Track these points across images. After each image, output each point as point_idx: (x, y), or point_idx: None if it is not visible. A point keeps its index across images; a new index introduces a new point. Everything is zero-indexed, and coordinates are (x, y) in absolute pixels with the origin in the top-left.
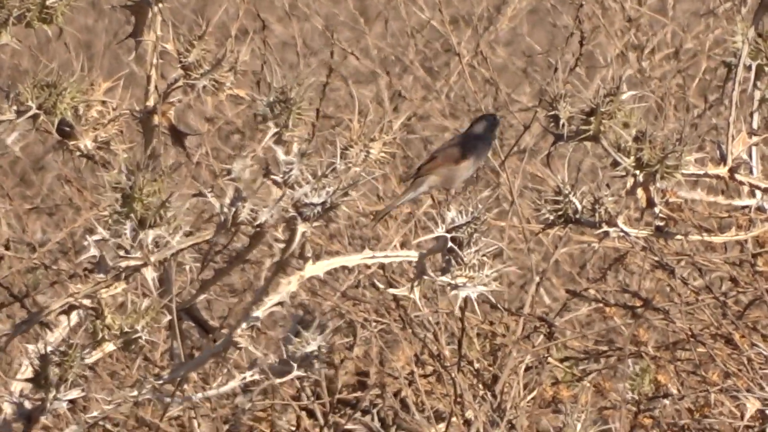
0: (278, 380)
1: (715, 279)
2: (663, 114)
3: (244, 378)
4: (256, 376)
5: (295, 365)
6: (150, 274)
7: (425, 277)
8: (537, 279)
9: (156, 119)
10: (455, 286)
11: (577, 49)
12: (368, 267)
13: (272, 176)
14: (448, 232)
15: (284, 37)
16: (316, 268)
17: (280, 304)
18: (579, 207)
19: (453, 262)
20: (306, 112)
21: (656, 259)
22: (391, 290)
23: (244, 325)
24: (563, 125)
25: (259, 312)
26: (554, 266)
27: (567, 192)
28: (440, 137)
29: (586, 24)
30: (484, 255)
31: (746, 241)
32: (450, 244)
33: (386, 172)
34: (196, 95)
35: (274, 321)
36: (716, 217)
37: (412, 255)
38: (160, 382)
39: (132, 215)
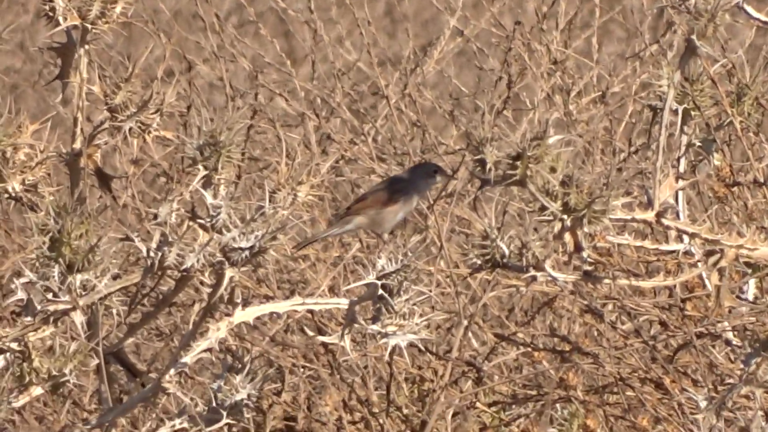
0: (207, 428)
1: (645, 323)
2: (590, 158)
3: (174, 426)
4: (185, 424)
5: (224, 413)
6: (78, 318)
7: (355, 325)
8: (465, 323)
9: (82, 162)
10: (385, 335)
11: (504, 92)
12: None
13: (199, 220)
14: (378, 279)
15: (211, 79)
16: (245, 315)
17: (209, 350)
18: (506, 251)
19: (383, 310)
20: (235, 155)
21: (585, 303)
22: (321, 338)
23: (172, 371)
24: (490, 169)
25: (188, 358)
26: (482, 310)
27: (494, 236)
28: (368, 180)
29: (512, 67)
30: (414, 304)
31: (675, 285)
32: (380, 291)
33: (314, 215)
34: (123, 137)
35: (202, 365)
36: (644, 261)
37: (342, 302)
38: (89, 427)
39: (60, 259)
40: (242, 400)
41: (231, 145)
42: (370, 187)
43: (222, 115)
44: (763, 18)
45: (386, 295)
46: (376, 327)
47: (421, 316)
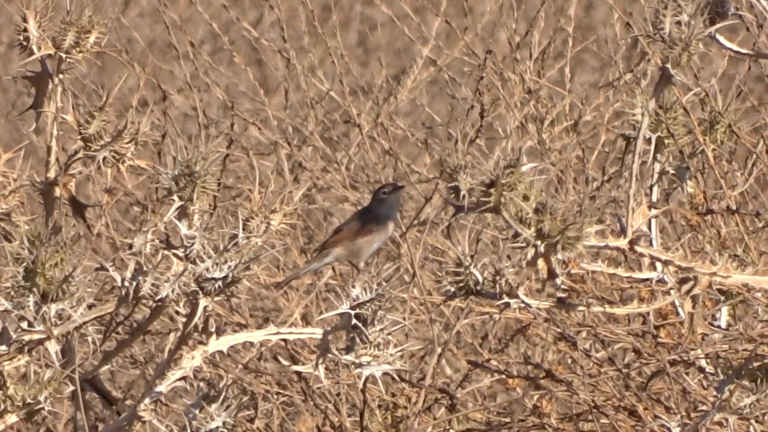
0: None
1: (618, 350)
2: (563, 186)
3: None
4: None
5: None
6: (53, 347)
7: (329, 355)
8: (438, 350)
9: (57, 191)
10: (360, 365)
11: (477, 121)
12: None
13: (174, 250)
14: (352, 308)
15: (185, 108)
16: (219, 343)
17: (183, 378)
18: (480, 278)
19: (357, 340)
20: (210, 185)
21: (559, 330)
22: (295, 367)
23: (147, 400)
24: (464, 197)
25: (163, 386)
26: (456, 337)
27: (467, 263)
28: (340, 208)
29: (485, 96)
30: (389, 333)
31: (649, 312)
32: (354, 321)
33: (287, 243)
34: (97, 166)
35: (177, 393)
36: (618, 288)
37: (317, 332)
38: None
39: (35, 289)
40: (217, 427)
41: (206, 175)
42: (343, 221)
43: (197, 144)
44: (735, 48)
45: (360, 325)
46: (350, 357)
47: (395, 346)
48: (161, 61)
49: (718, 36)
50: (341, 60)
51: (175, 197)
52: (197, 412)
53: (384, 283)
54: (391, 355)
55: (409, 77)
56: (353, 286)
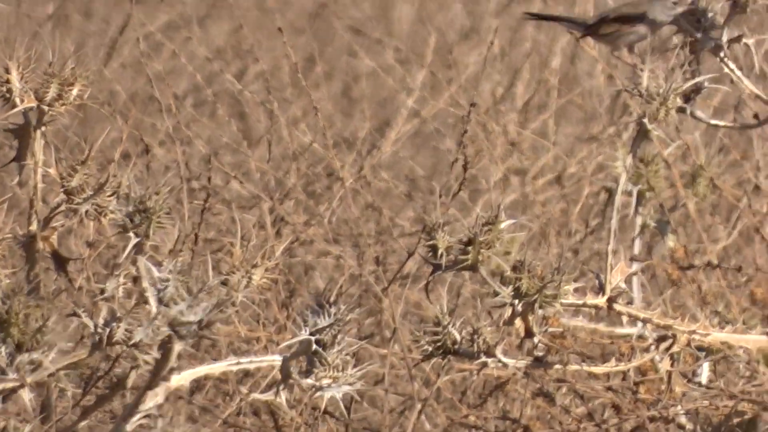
0: None
1: (598, 406)
2: (546, 239)
3: None
4: None
5: None
6: (27, 395)
7: (290, 381)
8: (419, 406)
9: (39, 244)
10: (320, 388)
11: (460, 173)
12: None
13: (147, 294)
14: (311, 334)
15: (166, 161)
16: (182, 378)
17: (148, 416)
18: (458, 337)
19: (317, 363)
20: (166, 221)
21: (537, 386)
22: (256, 395)
23: None
24: (441, 255)
25: (128, 426)
26: (436, 392)
27: (445, 323)
28: (322, 261)
29: (469, 148)
30: (347, 354)
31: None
32: (314, 346)
33: (268, 297)
34: (79, 220)
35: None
36: (598, 343)
37: (276, 359)
38: None
39: (9, 339)
40: None
41: (161, 210)
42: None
43: (154, 183)
44: (715, 122)
45: (320, 349)
46: (310, 381)
47: (355, 366)
48: (143, 113)
49: (692, 108)
50: (325, 111)
51: (130, 233)
52: None
53: (341, 307)
54: (352, 375)
55: (392, 129)
56: (311, 313)
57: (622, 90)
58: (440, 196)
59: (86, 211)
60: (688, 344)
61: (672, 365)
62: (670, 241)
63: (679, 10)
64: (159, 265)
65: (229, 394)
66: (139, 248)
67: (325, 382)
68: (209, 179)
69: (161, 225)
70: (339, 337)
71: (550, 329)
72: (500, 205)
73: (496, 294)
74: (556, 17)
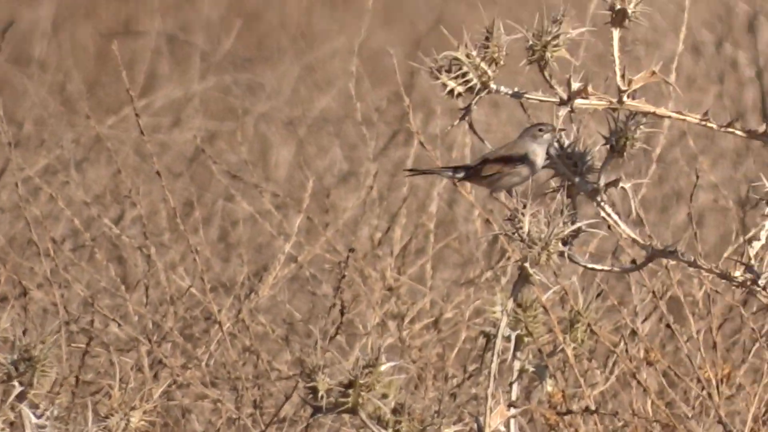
0: None
1: None
2: (423, 383)
3: None
4: None
5: None
6: None
7: None
8: None
9: None
10: None
11: (337, 318)
12: None
13: None
14: None
15: (45, 304)
16: None
17: None
18: None
19: None
20: (50, 369)
21: None
22: None
23: None
24: (321, 397)
25: None
26: None
27: None
28: (200, 405)
29: (346, 292)
30: None
31: None
32: None
33: None
34: None
35: None
36: None
37: None
38: None
39: None
40: None
41: (45, 359)
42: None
43: (33, 325)
44: (584, 264)
45: None
46: None
47: None
48: (21, 257)
49: (572, 255)
50: (202, 256)
51: (15, 382)
52: None
53: None
54: None
55: (270, 274)
56: None
57: (500, 234)
58: (317, 341)
59: None
60: None
61: None
62: (548, 386)
63: (547, 137)
64: (36, 407)
65: None
66: (22, 396)
67: None
68: (92, 322)
69: (46, 373)
70: None
71: None
72: (380, 348)
73: None
74: (433, 170)
